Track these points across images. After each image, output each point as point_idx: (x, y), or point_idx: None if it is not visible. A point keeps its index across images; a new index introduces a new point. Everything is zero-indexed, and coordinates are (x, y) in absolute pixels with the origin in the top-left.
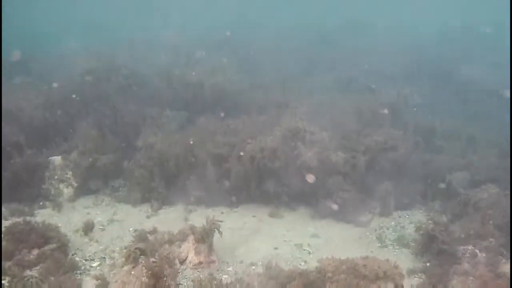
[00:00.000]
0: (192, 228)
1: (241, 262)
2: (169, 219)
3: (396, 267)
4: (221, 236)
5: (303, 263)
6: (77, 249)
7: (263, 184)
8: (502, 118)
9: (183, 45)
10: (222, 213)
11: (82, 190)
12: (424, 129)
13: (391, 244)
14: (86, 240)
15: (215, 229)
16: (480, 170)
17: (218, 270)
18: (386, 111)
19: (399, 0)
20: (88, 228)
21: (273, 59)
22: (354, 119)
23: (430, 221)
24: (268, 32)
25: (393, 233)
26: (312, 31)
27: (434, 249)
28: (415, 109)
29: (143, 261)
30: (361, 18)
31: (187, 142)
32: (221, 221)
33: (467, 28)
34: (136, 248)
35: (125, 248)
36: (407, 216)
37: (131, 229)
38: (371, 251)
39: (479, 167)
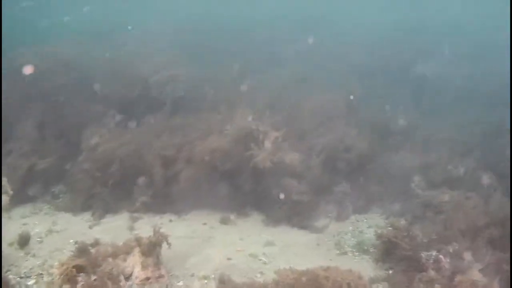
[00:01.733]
0: (138, 240)
1: (192, 275)
2: (113, 228)
3: (360, 277)
4: (169, 247)
5: (259, 275)
6: (12, 265)
7: (213, 188)
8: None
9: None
10: (171, 220)
11: (19, 198)
12: (380, 127)
13: (350, 250)
14: (22, 254)
15: (163, 241)
16: (437, 171)
17: (167, 285)
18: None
19: None
20: (24, 241)
21: (228, 54)
22: (309, 117)
23: (390, 227)
24: (226, 26)
25: (352, 239)
26: (265, 27)
27: (396, 255)
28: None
29: (82, 280)
30: (314, 13)
31: (133, 144)
32: (168, 235)
33: (428, 20)
34: (73, 266)
35: (62, 265)
36: (365, 220)
37: (71, 240)
38: (330, 259)
39: (435, 167)
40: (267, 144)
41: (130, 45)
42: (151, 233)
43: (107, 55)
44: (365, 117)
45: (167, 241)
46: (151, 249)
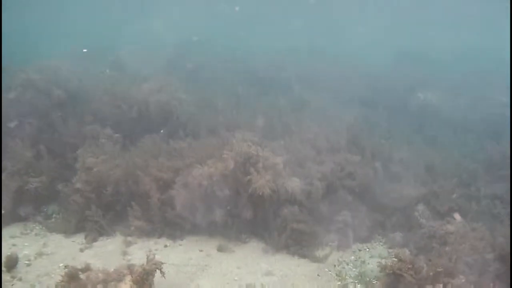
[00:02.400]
0: (130, 268)
1: None
2: (105, 253)
3: None
4: (163, 277)
5: None
6: None
7: (211, 213)
8: (459, 145)
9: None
10: (166, 246)
11: (10, 217)
12: (382, 156)
13: (352, 282)
14: (8, 277)
15: (157, 269)
16: (442, 201)
17: None
18: (342, 135)
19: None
20: (11, 263)
21: (225, 80)
22: (310, 144)
23: (394, 259)
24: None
25: (354, 269)
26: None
27: None
28: (374, 135)
29: None
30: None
31: (129, 165)
32: (162, 263)
33: (423, 53)
34: None
35: None
36: (367, 250)
37: (61, 264)
38: None
39: (440, 197)
40: (267, 170)
41: (130, 63)
42: (145, 259)
43: (107, 72)
44: (366, 145)
45: (160, 270)
46: (144, 277)
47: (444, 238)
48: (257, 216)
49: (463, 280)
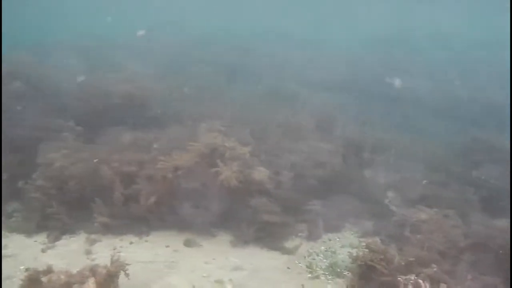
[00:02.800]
0: (93, 270)
1: None
2: (69, 252)
3: None
4: (128, 278)
5: None
6: None
7: (177, 207)
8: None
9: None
10: (131, 243)
11: None
12: (355, 143)
13: (323, 274)
14: None
15: (121, 270)
16: (412, 188)
17: None
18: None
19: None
20: None
21: (196, 68)
22: (280, 132)
23: (366, 249)
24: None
25: (324, 260)
26: (232, 40)
27: (372, 280)
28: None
29: None
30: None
31: (92, 160)
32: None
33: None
34: None
35: None
36: (337, 239)
37: (22, 267)
38: (302, 284)
39: (411, 185)
40: (234, 161)
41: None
42: (110, 258)
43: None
44: (339, 133)
45: (125, 271)
46: (108, 280)
47: (416, 226)
48: (226, 208)
49: (435, 269)
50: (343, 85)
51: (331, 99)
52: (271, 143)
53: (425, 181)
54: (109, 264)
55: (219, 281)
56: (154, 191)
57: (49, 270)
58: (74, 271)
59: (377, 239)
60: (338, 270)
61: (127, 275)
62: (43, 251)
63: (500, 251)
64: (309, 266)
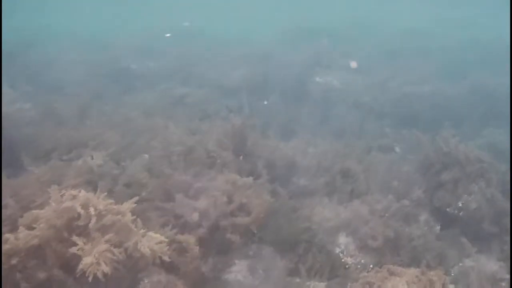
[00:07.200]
0: None
1: None
2: None
3: None
4: None
5: None
6: None
7: None
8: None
9: None
10: None
11: None
12: (281, 165)
13: None
14: None
15: None
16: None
17: None
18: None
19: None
20: None
21: (82, 77)
22: (181, 161)
23: None
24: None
25: None
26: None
27: None
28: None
29: None
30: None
31: None
32: None
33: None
34: None
35: None
36: None
37: None
38: None
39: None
40: (106, 231)
41: None
42: None
43: None
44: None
45: None
46: None
47: None
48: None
49: None
50: (261, 86)
51: (246, 105)
52: (171, 183)
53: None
54: None
55: None
56: None
57: None
58: None
59: None
60: None
61: None
62: None
63: None
64: None
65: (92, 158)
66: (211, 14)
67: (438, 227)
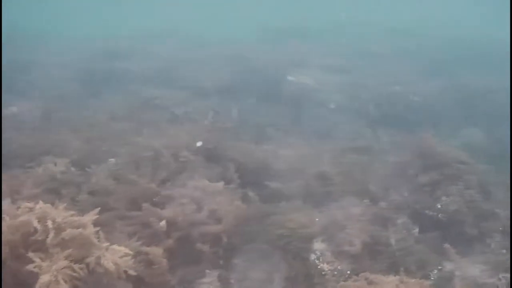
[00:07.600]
0: None
1: None
2: None
3: None
4: None
5: None
6: None
7: None
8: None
9: None
10: None
11: None
12: (256, 168)
13: None
14: None
15: None
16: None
17: None
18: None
19: None
20: None
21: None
22: (149, 168)
23: None
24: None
25: None
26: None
27: None
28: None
29: None
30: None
31: None
32: None
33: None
34: None
35: None
36: None
37: None
38: None
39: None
40: (65, 246)
41: None
42: None
43: None
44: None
45: None
46: None
47: None
48: None
49: None
50: (235, 88)
51: (220, 107)
52: (137, 190)
53: None
54: None
55: None
56: None
57: None
58: None
59: None
60: None
61: None
62: None
63: None
64: None
65: (55, 165)
66: (187, 13)
67: (417, 230)
